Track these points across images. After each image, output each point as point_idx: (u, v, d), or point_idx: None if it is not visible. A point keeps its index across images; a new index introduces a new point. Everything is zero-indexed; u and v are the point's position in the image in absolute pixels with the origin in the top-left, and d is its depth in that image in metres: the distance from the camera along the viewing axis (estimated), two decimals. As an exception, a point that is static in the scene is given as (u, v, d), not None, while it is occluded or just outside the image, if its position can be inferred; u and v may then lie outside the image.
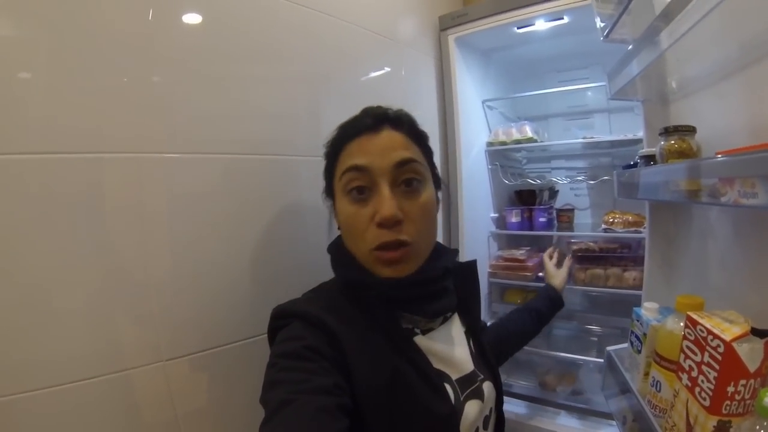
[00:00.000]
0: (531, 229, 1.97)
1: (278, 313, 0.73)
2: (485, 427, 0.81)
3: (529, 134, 1.87)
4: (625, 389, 1.00)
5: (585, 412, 1.52)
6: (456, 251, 0.92)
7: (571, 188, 2.16)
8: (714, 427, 0.63)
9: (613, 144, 1.76)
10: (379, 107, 0.81)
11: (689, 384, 0.70)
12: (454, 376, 0.77)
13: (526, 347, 1.29)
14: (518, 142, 1.90)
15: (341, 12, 1.26)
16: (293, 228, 1.09)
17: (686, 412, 0.70)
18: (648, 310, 0.95)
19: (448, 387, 0.74)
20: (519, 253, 1.94)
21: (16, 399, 0.72)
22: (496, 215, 2.09)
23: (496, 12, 1.65)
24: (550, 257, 1.52)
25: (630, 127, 1.70)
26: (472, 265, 0.93)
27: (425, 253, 0.79)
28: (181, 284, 0.89)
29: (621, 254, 1.70)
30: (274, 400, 0.56)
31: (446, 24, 1.78)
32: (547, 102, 2.18)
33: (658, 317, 0.92)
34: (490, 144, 2.00)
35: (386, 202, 0.71)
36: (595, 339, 1.83)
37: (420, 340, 0.77)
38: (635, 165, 1.14)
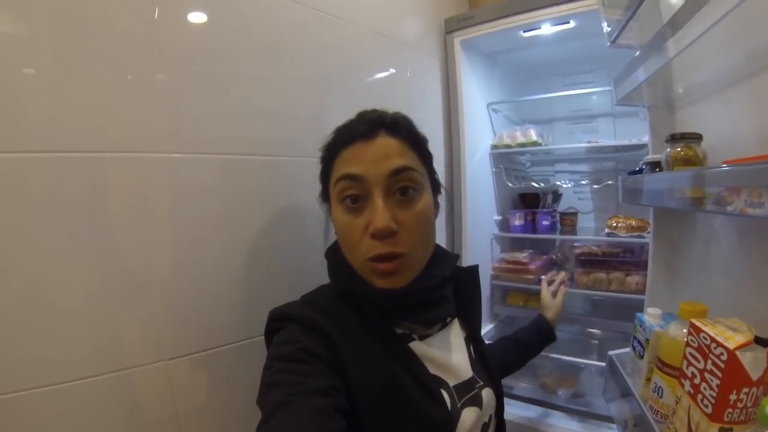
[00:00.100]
0: (534, 233, 1.98)
1: (275, 315, 0.73)
2: None
3: (534, 138, 1.87)
4: (626, 393, 1.00)
5: (585, 415, 1.52)
6: (457, 256, 0.91)
7: (574, 192, 2.17)
8: (716, 433, 0.64)
9: (618, 149, 1.77)
10: (374, 111, 0.78)
11: (691, 391, 0.70)
12: (451, 383, 0.76)
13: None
14: (523, 145, 1.90)
15: (346, 13, 1.26)
16: (294, 230, 1.08)
17: (688, 419, 0.71)
18: (651, 315, 0.95)
19: (444, 393, 0.73)
20: (522, 256, 1.95)
21: (18, 396, 0.72)
22: (500, 218, 2.10)
23: (502, 15, 1.65)
24: (550, 282, 1.39)
25: (635, 131, 1.71)
26: (473, 270, 0.92)
27: (422, 263, 0.77)
28: (183, 284, 0.89)
29: (624, 258, 1.70)
30: (271, 402, 0.56)
31: (452, 26, 1.78)
32: (551, 105, 2.18)
33: (661, 323, 0.92)
34: (494, 147, 2.00)
35: (379, 214, 0.69)
36: (597, 342, 1.84)
37: (416, 345, 0.76)
38: (640, 171, 1.14)
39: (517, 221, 2.00)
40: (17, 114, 0.71)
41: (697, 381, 0.69)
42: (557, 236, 2.01)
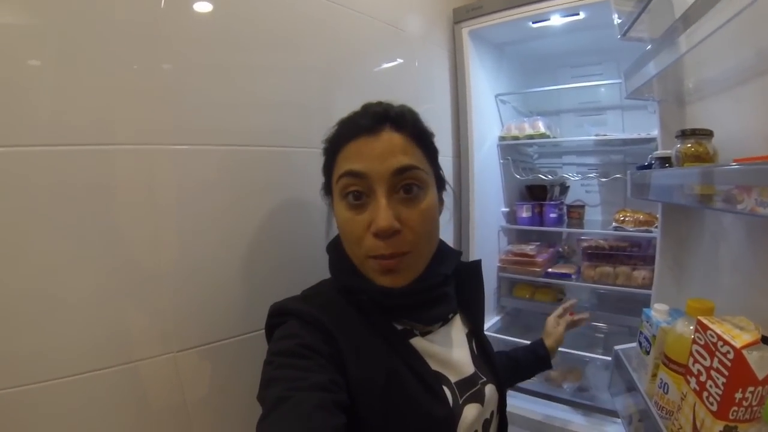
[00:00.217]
0: (541, 225, 1.98)
1: (275, 310, 0.73)
2: (485, 431, 0.79)
3: (542, 130, 1.86)
4: (631, 388, 1.01)
5: (590, 409, 1.53)
6: (460, 253, 0.89)
7: (582, 184, 2.16)
8: (720, 431, 0.64)
9: (626, 142, 1.76)
10: (380, 104, 0.75)
11: (697, 388, 0.70)
12: (453, 379, 0.75)
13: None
14: (531, 137, 1.90)
15: (354, 3, 1.24)
16: (298, 222, 1.08)
17: (693, 416, 0.71)
18: (658, 311, 0.95)
19: (446, 390, 0.72)
20: (529, 249, 1.95)
21: (27, 390, 0.72)
22: (507, 210, 2.10)
23: (511, 6, 1.63)
24: (561, 315, 1.29)
25: (643, 125, 1.70)
26: (476, 266, 0.91)
27: (425, 261, 0.76)
28: (190, 277, 0.89)
29: (631, 253, 1.70)
30: (271, 398, 0.56)
31: (460, 17, 1.77)
32: (560, 97, 2.17)
33: (668, 319, 0.92)
34: (502, 138, 2.00)
35: (382, 213, 0.67)
36: (602, 336, 1.85)
37: (418, 341, 0.75)
38: (649, 166, 1.14)
39: (524, 213, 2.00)
40: (23, 107, 0.71)
41: (703, 378, 0.69)
42: (564, 229, 2.01)
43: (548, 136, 1.88)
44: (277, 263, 1.03)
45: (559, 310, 1.30)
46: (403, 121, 0.73)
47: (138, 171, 0.82)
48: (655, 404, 0.87)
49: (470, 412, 0.73)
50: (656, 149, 1.21)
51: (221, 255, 0.94)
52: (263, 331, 0.75)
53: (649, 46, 1.01)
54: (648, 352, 0.95)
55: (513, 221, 2.07)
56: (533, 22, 1.69)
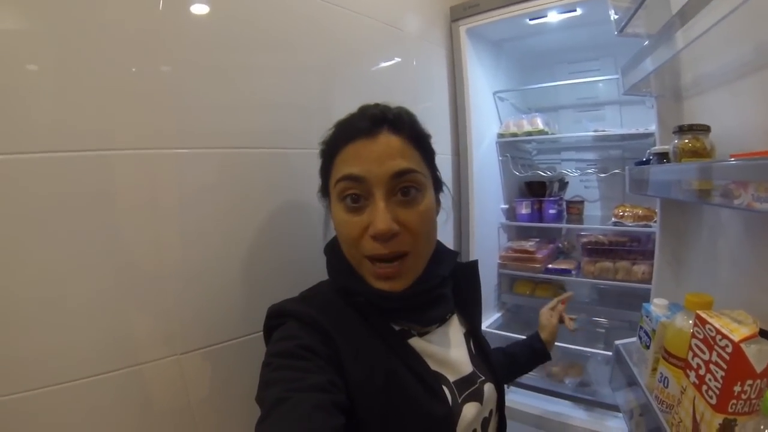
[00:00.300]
0: (541, 221, 1.99)
1: (273, 312, 0.73)
2: (484, 429, 0.79)
3: (540, 126, 1.87)
4: (632, 383, 1.02)
5: (592, 404, 1.54)
6: (457, 253, 0.89)
7: (581, 180, 2.16)
8: (720, 424, 0.65)
9: (624, 137, 1.77)
10: (377, 106, 0.75)
11: (696, 381, 0.71)
12: (451, 378, 0.76)
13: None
14: (529, 133, 1.90)
15: (351, 3, 1.25)
16: (298, 223, 1.07)
17: (693, 409, 0.72)
18: (657, 306, 0.95)
19: (445, 389, 0.73)
20: (528, 245, 1.96)
21: (33, 395, 0.73)
22: (506, 206, 2.10)
23: (508, 3, 1.63)
24: (553, 307, 1.30)
25: (641, 120, 1.70)
26: (473, 266, 0.92)
27: (423, 263, 0.76)
28: (193, 279, 0.90)
29: (630, 248, 1.71)
30: (270, 399, 0.56)
31: (458, 15, 1.77)
32: (557, 93, 2.17)
33: (668, 314, 0.93)
34: (501, 135, 2.00)
35: (380, 215, 0.67)
36: (603, 331, 1.85)
37: (416, 341, 0.76)
38: (647, 161, 1.14)
39: (524, 210, 2.01)
40: (22, 113, 0.70)
41: (702, 372, 0.70)
42: (564, 225, 2.02)
43: (546, 133, 1.88)
44: (277, 264, 1.03)
45: (554, 302, 1.31)
46: (400, 123, 0.73)
47: (139, 175, 0.82)
48: (656, 398, 0.87)
49: (469, 410, 0.74)
50: (654, 144, 1.21)
51: (223, 257, 0.95)
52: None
53: (646, 42, 1.01)
54: (648, 347, 0.95)
55: (512, 218, 2.08)
56: (530, 19, 1.69)
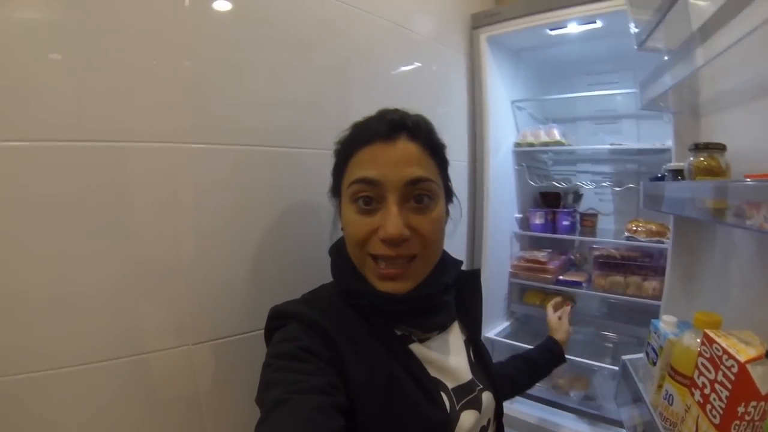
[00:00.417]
0: (554, 232, 1.99)
1: (275, 313, 0.73)
2: None
3: (557, 137, 1.87)
4: (637, 399, 1.01)
5: (596, 418, 1.53)
6: (460, 262, 0.89)
7: (596, 193, 2.15)
8: (722, 444, 0.65)
9: (641, 152, 1.76)
10: (396, 111, 0.75)
11: (701, 400, 0.71)
12: (450, 385, 0.76)
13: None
14: (546, 144, 1.90)
15: (373, 7, 1.26)
16: (309, 222, 1.08)
17: (696, 428, 0.71)
18: (666, 323, 0.95)
19: (443, 396, 0.73)
20: (541, 255, 1.96)
21: (45, 375, 0.75)
22: (520, 216, 2.10)
23: (529, 13, 1.64)
24: (555, 308, 1.37)
25: (658, 134, 1.69)
26: (475, 274, 0.92)
27: (428, 269, 0.76)
28: (208, 272, 0.91)
29: (642, 263, 1.70)
30: (270, 400, 0.56)
31: (478, 22, 1.78)
32: (575, 105, 2.16)
33: (676, 331, 0.92)
34: (517, 145, 2.00)
35: (393, 220, 0.68)
36: (611, 346, 1.84)
37: (416, 347, 0.76)
38: (662, 177, 1.14)
39: (538, 220, 2.01)
40: (42, 101, 0.72)
41: (707, 391, 0.70)
42: (576, 237, 2.01)
43: (563, 144, 1.88)
44: (288, 262, 1.04)
45: (550, 308, 1.34)
46: (419, 130, 0.74)
47: (155, 168, 0.84)
48: (660, 415, 0.87)
49: (467, 418, 0.74)
50: (671, 160, 1.21)
51: (236, 252, 0.96)
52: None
53: (665, 57, 1.01)
54: (655, 363, 0.95)
55: (526, 227, 2.08)
56: (550, 30, 1.69)
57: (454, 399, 0.74)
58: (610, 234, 1.95)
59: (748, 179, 0.66)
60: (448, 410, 0.71)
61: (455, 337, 0.85)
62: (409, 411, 0.67)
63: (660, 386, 0.91)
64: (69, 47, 0.74)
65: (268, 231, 1.01)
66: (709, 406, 0.68)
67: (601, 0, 1.47)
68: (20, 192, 0.72)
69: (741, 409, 0.63)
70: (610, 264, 1.76)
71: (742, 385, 0.62)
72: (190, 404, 0.91)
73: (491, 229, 1.83)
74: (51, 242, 0.75)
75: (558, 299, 1.37)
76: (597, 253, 1.82)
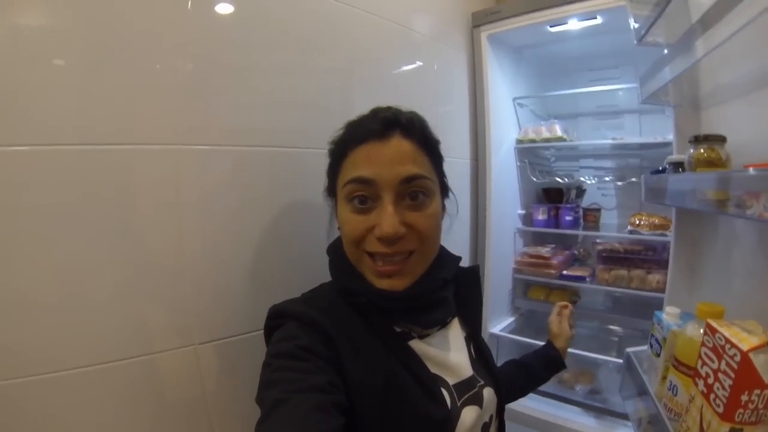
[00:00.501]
0: (557, 227, 1.98)
1: (274, 312, 0.74)
2: None
3: (559, 133, 1.87)
4: (642, 391, 1.02)
5: (602, 412, 1.53)
6: (459, 258, 0.89)
7: (598, 188, 2.15)
8: (726, 433, 0.65)
9: (643, 146, 1.76)
10: (389, 109, 0.75)
11: (705, 390, 0.71)
12: (451, 381, 0.75)
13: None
14: (548, 140, 1.90)
15: (374, 6, 1.27)
16: (311, 223, 1.06)
17: (700, 418, 0.72)
18: (669, 314, 0.96)
19: (444, 392, 0.73)
20: (544, 251, 1.96)
21: (52, 377, 0.75)
22: (523, 212, 2.10)
23: (529, 10, 1.65)
24: (559, 313, 1.27)
25: (660, 129, 1.69)
26: (475, 271, 0.91)
27: (425, 265, 0.76)
28: (212, 271, 0.92)
29: (645, 256, 1.70)
30: (270, 400, 0.57)
31: (479, 21, 1.78)
32: (577, 101, 2.16)
33: (679, 322, 0.93)
34: (519, 141, 2.00)
35: (388, 219, 0.68)
36: (616, 339, 1.85)
37: (416, 344, 0.76)
38: (664, 170, 1.14)
39: (540, 216, 2.01)
40: (47, 106, 0.73)
41: (710, 381, 0.70)
42: (580, 232, 2.00)
43: (565, 140, 1.88)
44: (290, 261, 1.04)
45: (556, 309, 1.28)
46: (412, 127, 0.74)
47: (159, 170, 0.84)
48: (664, 406, 0.88)
49: (469, 414, 0.74)
50: (672, 153, 1.21)
51: (240, 252, 0.96)
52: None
53: (665, 51, 1.01)
54: (658, 355, 0.95)
55: (529, 223, 2.08)
56: (551, 26, 1.70)
57: (455, 395, 0.74)
58: (613, 228, 1.95)
59: (750, 168, 0.67)
60: (449, 406, 0.71)
61: (455, 333, 0.85)
62: (409, 408, 0.67)
63: (664, 377, 0.91)
64: (72, 51, 0.75)
65: (269, 230, 1.01)
66: (712, 396, 0.69)
67: (601, -5, 1.47)
68: (24, 196, 0.72)
69: (744, 398, 0.63)
70: (613, 258, 1.76)
71: (745, 374, 0.63)
72: (197, 405, 0.92)
73: (495, 226, 1.84)
74: (56, 246, 0.75)
75: (561, 304, 1.33)
76: (600, 247, 1.82)
